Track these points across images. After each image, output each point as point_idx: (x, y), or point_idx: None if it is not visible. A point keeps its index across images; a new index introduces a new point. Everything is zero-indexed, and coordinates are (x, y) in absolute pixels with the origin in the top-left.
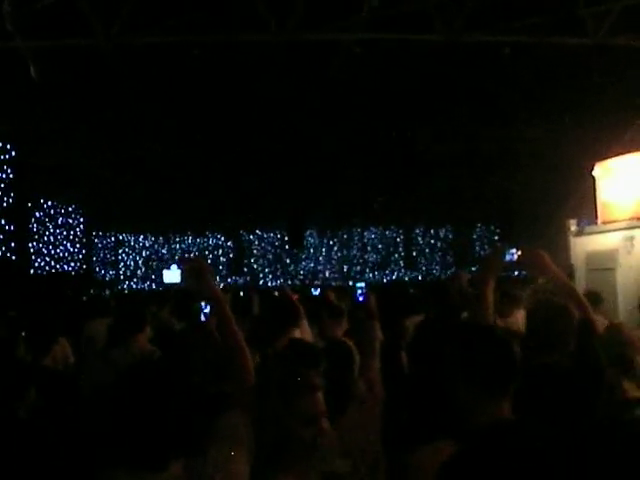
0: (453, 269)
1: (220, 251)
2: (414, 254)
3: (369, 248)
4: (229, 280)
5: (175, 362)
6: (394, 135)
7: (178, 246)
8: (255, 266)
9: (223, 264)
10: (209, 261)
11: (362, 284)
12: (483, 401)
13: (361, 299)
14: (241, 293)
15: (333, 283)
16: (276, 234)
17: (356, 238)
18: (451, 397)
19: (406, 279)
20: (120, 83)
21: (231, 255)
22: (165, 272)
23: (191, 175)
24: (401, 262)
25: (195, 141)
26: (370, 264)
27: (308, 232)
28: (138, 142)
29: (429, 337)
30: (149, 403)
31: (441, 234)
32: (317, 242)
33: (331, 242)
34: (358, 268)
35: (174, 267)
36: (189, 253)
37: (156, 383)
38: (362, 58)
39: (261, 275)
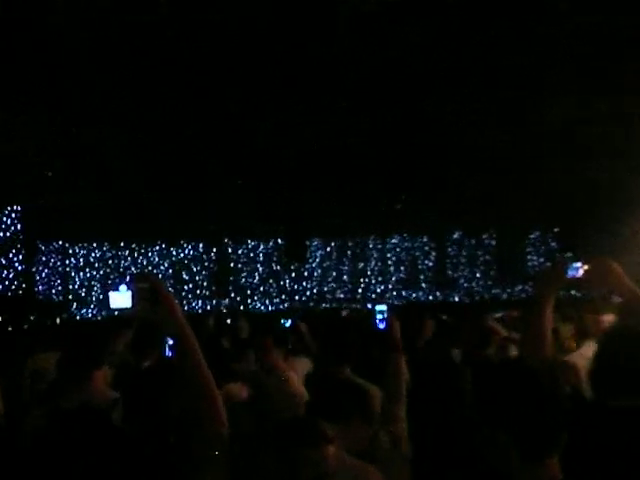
0: (500, 287)
1: (199, 265)
2: (448, 269)
3: (390, 261)
4: (210, 302)
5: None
6: (421, 118)
7: (144, 259)
8: (244, 284)
9: (202, 281)
10: (184, 277)
11: (383, 307)
12: (525, 464)
13: (382, 326)
14: (228, 320)
15: (344, 306)
16: (271, 243)
17: (374, 249)
18: (487, 458)
19: (439, 299)
20: (69, 51)
21: (213, 269)
22: (112, 295)
23: (161, 169)
24: (432, 279)
25: (165, 124)
26: (392, 282)
27: (312, 241)
28: (91, 127)
29: (462, 379)
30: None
31: (483, 243)
32: (323, 253)
33: (341, 253)
34: (377, 287)
35: (123, 288)
36: (157, 267)
37: (111, 450)
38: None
39: (251, 296)
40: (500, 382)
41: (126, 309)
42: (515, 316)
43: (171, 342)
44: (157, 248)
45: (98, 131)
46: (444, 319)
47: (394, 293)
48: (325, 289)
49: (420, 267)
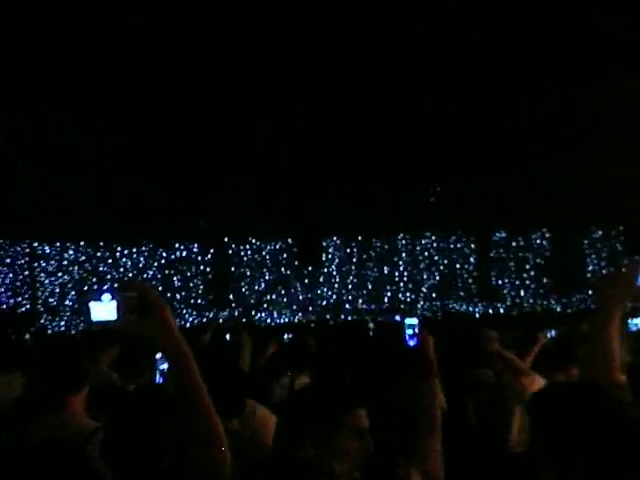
0: (554, 297)
1: (194, 269)
2: (491, 274)
3: (422, 265)
4: (206, 314)
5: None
6: (457, 96)
7: (128, 261)
8: (247, 292)
9: (197, 289)
10: (176, 283)
11: (414, 320)
12: None
13: (412, 343)
14: (227, 336)
15: (368, 319)
16: (279, 243)
17: (402, 250)
18: None
19: (480, 312)
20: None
21: (211, 275)
22: (93, 305)
23: (148, 156)
24: (472, 286)
25: (152, 104)
26: (425, 289)
27: (328, 240)
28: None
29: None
30: None
31: (533, 243)
32: (342, 255)
33: (363, 256)
34: (406, 295)
35: (106, 297)
36: (144, 271)
37: None
38: None
39: (256, 306)
40: (582, 407)
41: (110, 322)
42: (517, 336)
43: (163, 367)
44: (143, 249)
45: (80, 121)
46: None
47: (426, 303)
48: (344, 298)
49: (458, 272)
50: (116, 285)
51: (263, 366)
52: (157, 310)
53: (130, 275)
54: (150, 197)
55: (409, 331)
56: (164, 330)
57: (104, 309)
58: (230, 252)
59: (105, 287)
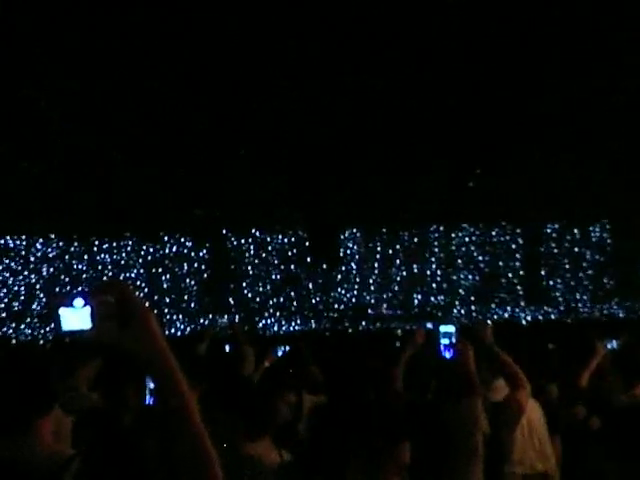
0: (615, 300)
1: (186, 267)
2: (542, 273)
3: (460, 262)
4: (203, 320)
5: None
6: (501, 65)
7: (107, 258)
8: (250, 294)
9: (191, 291)
10: (164, 284)
11: (450, 327)
12: None
13: (448, 354)
14: (226, 347)
15: (393, 325)
16: (289, 237)
17: (436, 243)
18: None
19: (528, 318)
20: None
21: (206, 274)
22: (64, 312)
23: (129, 132)
24: (519, 287)
25: (140, 77)
26: (462, 291)
27: (347, 233)
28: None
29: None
30: None
31: (592, 237)
32: (362, 251)
33: (389, 251)
34: (441, 299)
35: (79, 302)
36: (126, 270)
37: None
38: None
39: (261, 311)
40: None
41: (83, 332)
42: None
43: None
44: (126, 243)
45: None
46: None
47: (464, 308)
48: (366, 301)
49: (501, 271)
50: (90, 287)
51: (258, 383)
52: (139, 317)
53: (109, 274)
54: (134, 181)
55: (444, 341)
56: (148, 341)
57: (76, 316)
58: (230, 247)
59: (77, 290)
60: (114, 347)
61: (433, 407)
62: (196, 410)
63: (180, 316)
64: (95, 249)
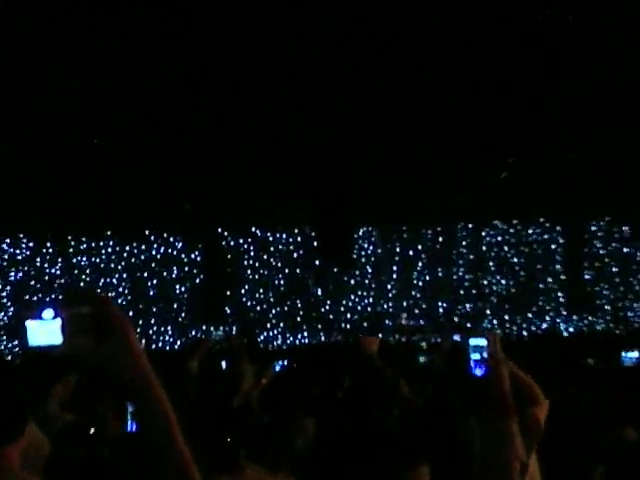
0: None
1: (176, 271)
2: (587, 276)
3: (492, 264)
4: (196, 332)
5: None
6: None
7: (85, 261)
8: (249, 302)
9: (182, 298)
10: (151, 291)
11: (481, 341)
12: None
13: (479, 372)
14: (223, 363)
15: (415, 338)
16: (294, 237)
17: (464, 243)
18: None
19: (570, 329)
20: None
21: (199, 279)
22: (31, 325)
23: (113, 120)
24: (560, 293)
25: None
26: (495, 298)
27: (362, 231)
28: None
29: None
30: None
31: None
32: (381, 251)
33: (409, 252)
34: (470, 307)
35: (48, 314)
36: (106, 275)
37: None
38: None
39: (262, 321)
40: None
41: (53, 347)
42: None
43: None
44: (106, 244)
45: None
46: (589, 364)
47: (496, 317)
48: (383, 310)
49: (539, 275)
50: (61, 297)
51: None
52: (118, 332)
53: (87, 280)
54: (115, 173)
55: (475, 356)
56: (127, 360)
57: (45, 330)
58: (226, 247)
59: (47, 300)
60: (88, 366)
61: (458, 429)
62: (180, 436)
63: (168, 328)
64: (70, 250)
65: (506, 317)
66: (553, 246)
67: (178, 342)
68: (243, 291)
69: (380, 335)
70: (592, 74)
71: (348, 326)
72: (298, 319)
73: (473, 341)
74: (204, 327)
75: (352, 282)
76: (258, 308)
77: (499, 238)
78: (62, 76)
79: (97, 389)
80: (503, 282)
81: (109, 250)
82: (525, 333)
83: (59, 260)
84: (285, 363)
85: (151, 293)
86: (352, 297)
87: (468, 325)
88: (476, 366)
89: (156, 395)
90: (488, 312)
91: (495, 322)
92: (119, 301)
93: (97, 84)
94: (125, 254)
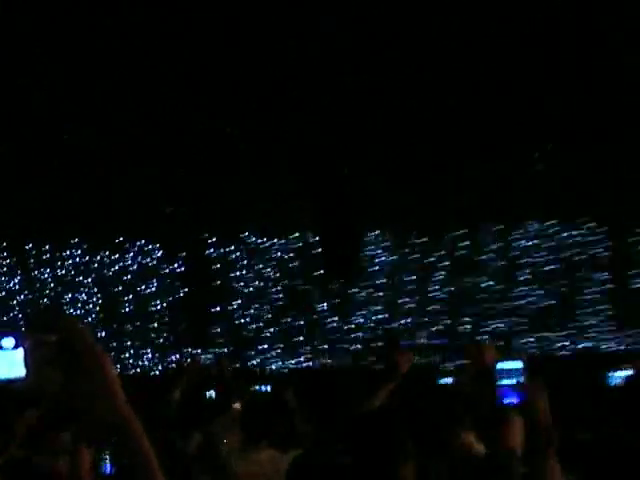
0: None
1: (156, 283)
2: (637, 287)
3: (524, 273)
4: (177, 356)
5: None
6: None
7: (48, 272)
8: (241, 320)
9: (163, 316)
10: (127, 307)
11: (516, 364)
12: None
13: (514, 400)
14: (211, 393)
15: (435, 359)
16: (294, 243)
17: (492, 248)
18: None
19: (616, 348)
20: None
21: (182, 293)
22: None
23: (84, 107)
24: (605, 306)
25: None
26: (528, 312)
27: (371, 237)
28: None
29: None
30: None
31: None
32: (393, 260)
33: (425, 260)
34: (498, 322)
35: (9, 342)
36: (75, 291)
37: None
38: None
39: (255, 342)
40: None
41: (14, 381)
42: None
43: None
44: (74, 253)
45: None
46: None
47: (530, 335)
48: (396, 327)
49: (581, 284)
50: (24, 323)
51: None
52: (90, 362)
53: (50, 295)
54: (84, 170)
55: (507, 381)
56: (101, 394)
57: (5, 361)
58: (213, 256)
59: (5, 324)
60: (56, 401)
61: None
62: (161, 475)
63: (147, 351)
64: (32, 261)
65: (540, 335)
66: (597, 248)
67: (158, 367)
68: (233, 307)
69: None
70: None
71: (356, 346)
72: (299, 339)
73: (505, 364)
74: (188, 349)
75: (361, 295)
76: (251, 327)
77: (533, 242)
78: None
79: (58, 426)
80: (537, 294)
81: (76, 260)
82: (564, 353)
83: (18, 272)
84: (267, 388)
85: (126, 310)
86: (361, 312)
87: (496, 344)
88: (508, 394)
89: (134, 432)
90: (519, 329)
91: (529, 341)
92: (88, 320)
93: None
94: (95, 265)
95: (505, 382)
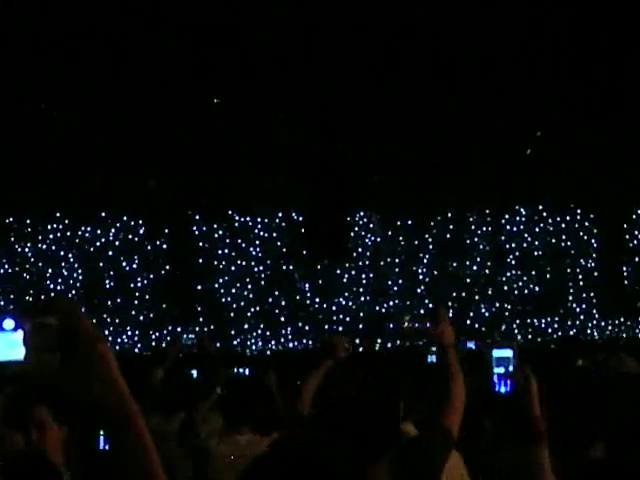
0: None
1: (137, 260)
2: (626, 272)
3: (513, 258)
4: (158, 334)
5: None
6: None
7: (30, 247)
8: (224, 299)
9: (145, 293)
10: (107, 284)
11: (507, 352)
12: None
13: (505, 388)
14: (194, 372)
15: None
16: (278, 221)
17: (480, 233)
18: None
19: (608, 336)
20: None
21: (164, 271)
22: None
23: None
24: (593, 292)
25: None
26: (515, 298)
27: (359, 217)
28: None
29: None
30: None
31: None
32: (381, 242)
33: (415, 242)
34: (486, 307)
35: (9, 323)
36: (55, 265)
37: None
38: None
39: (238, 322)
40: None
41: (13, 363)
42: None
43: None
44: (54, 227)
45: None
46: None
47: (518, 322)
48: (384, 310)
49: (571, 271)
50: (26, 307)
51: None
52: (89, 347)
53: (31, 270)
54: (63, 138)
55: (499, 369)
56: (100, 381)
57: (4, 342)
58: (197, 233)
59: (9, 309)
60: (53, 387)
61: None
62: (162, 472)
63: (127, 328)
64: (12, 236)
65: (528, 320)
66: (586, 236)
67: (138, 345)
68: (216, 285)
69: (379, 340)
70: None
71: (341, 328)
72: (282, 319)
73: (497, 352)
74: (170, 327)
75: (346, 277)
76: (234, 306)
77: (521, 227)
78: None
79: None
80: (526, 279)
81: (58, 235)
82: (550, 339)
83: None
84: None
85: (107, 286)
86: (346, 294)
87: (483, 329)
88: (500, 381)
89: (135, 425)
90: (507, 315)
91: (516, 327)
92: (69, 296)
93: None
94: (77, 240)
95: (497, 371)
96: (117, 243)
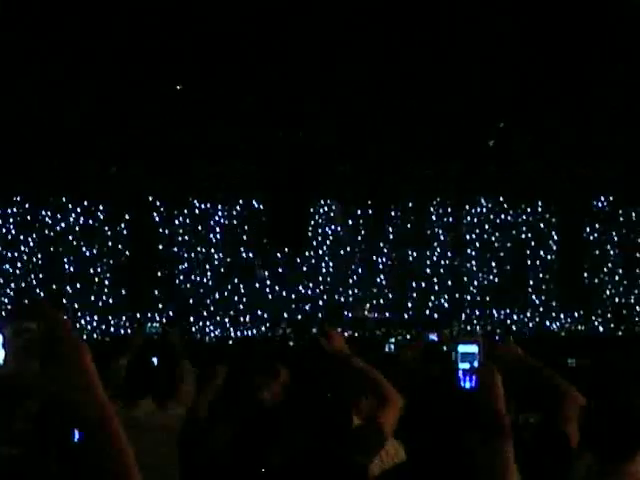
0: None
1: (98, 246)
2: (586, 265)
3: (473, 249)
4: (118, 321)
5: None
6: None
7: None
8: (184, 285)
9: (104, 279)
10: (66, 268)
11: (472, 347)
12: None
13: (470, 384)
14: (154, 360)
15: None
16: (240, 209)
17: (440, 224)
18: None
19: (566, 329)
20: None
21: (124, 257)
22: None
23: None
24: (552, 285)
25: None
26: (475, 289)
27: (319, 206)
28: None
29: None
30: None
31: None
32: (341, 231)
33: (376, 232)
34: (446, 298)
35: None
36: (11, 250)
37: None
38: None
39: (198, 309)
40: None
41: None
42: None
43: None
44: (13, 211)
45: None
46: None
47: (477, 312)
48: (342, 299)
49: (530, 263)
50: (5, 310)
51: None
52: (69, 353)
53: None
54: (32, 128)
55: (464, 365)
56: (78, 387)
57: None
58: (158, 219)
59: None
60: (31, 392)
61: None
62: (132, 459)
63: (86, 314)
64: None
65: (488, 312)
66: (546, 229)
67: (96, 332)
68: (176, 272)
69: (339, 329)
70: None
71: (299, 317)
72: (241, 307)
73: (462, 348)
74: (129, 314)
75: (305, 266)
76: (194, 293)
77: (482, 219)
78: None
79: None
80: (486, 270)
81: (17, 219)
82: (509, 332)
83: None
84: None
85: (67, 271)
86: (305, 283)
87: (442, 320)
88: (465, 377)
89: (112, 432)
90: (466, 305)
91: (475, 318)
92: (28, 280)
93: None
94: (37, 224)
95: (462, 366)
96: (77, 228)
